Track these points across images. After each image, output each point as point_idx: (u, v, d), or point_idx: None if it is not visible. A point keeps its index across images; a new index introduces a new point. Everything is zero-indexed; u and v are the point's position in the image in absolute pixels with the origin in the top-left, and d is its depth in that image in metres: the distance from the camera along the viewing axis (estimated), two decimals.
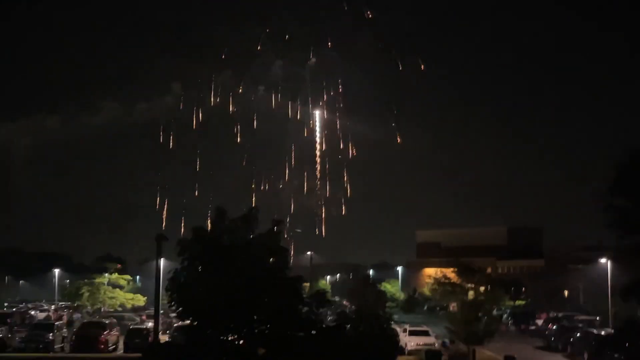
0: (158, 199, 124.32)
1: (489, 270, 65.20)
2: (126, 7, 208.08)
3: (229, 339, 25.19)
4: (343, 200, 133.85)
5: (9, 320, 61.07)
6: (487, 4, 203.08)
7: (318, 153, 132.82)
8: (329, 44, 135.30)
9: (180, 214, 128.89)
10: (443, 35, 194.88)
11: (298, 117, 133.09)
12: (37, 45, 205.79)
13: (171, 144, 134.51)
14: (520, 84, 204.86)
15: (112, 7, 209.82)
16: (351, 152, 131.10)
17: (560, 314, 76.63)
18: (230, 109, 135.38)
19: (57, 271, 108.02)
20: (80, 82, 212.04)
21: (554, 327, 63.10)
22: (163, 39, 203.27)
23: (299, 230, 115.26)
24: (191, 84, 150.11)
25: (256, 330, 25.14)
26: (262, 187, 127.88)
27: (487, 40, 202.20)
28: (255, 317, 25.16)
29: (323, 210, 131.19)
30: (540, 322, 74.25)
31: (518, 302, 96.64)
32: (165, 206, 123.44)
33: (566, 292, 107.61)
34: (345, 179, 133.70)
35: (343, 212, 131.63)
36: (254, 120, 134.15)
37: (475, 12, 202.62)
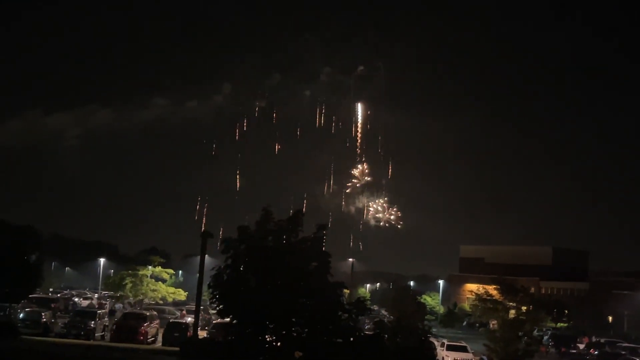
0: (199, 198, 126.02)
1: (532, 290, 64.30)
2: (180, 8, 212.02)
3: (267, 339, 25.29)
4: (385, 211, 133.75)
5: (53, 306, 62.41)
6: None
7: (359, 167, 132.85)
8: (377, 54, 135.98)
9: (222, 211, 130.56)
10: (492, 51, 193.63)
11: (340, 125, 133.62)
12: (94, 39, 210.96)
13: (215, 142, 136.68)
14: (573, 106, 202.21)
15: (166, 7, 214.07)
16: (390, 167, 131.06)
17: (602, 340, 75.14)
18: (274, 114, 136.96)
19: (102, 260, 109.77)
20: (133, 77, 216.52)
21: (596, 352, 61.94)
22: (214, 41, 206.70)
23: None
24: (239, 86, 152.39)
25: (294, 333, 25.18)
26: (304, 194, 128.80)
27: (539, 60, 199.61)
28: (294, 319, 25.19)
29: (361, 221, 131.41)
30: (581, 346, 72.87)
31: (560, 325, 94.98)
32: (206, 205, 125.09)
33: (610, 318, 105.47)
34: (387, 189, 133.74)
35: (381, 223, 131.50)
36: (298, 124, 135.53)
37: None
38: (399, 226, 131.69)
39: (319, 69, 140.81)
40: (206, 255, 39.97)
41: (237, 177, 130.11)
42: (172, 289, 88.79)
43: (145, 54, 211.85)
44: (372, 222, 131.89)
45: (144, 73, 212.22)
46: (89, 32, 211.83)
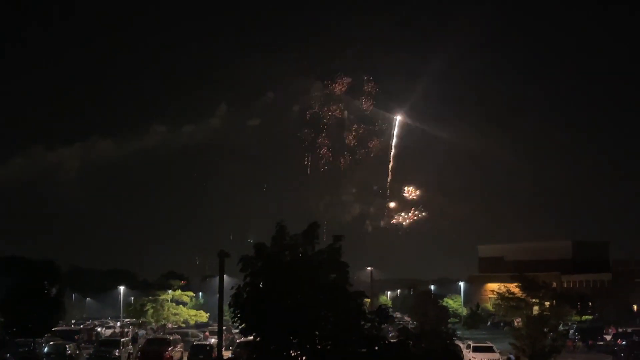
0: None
1: (554, 284, 63.91)
2: (178, 34, 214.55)
3: (292, 355, 25.21)
4: (402, 215, 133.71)
5: (76, 337, 62.53)
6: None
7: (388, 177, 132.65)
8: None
9: (237, 230, 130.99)
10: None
11: (356, 141, 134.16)
12: (90, 70, 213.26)
13: (223, 161, 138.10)
14: (588, 94, 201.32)
15: (163, 32, 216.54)
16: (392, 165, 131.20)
17: (629, 329, 74.55)
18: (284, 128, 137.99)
19: (122, 288, 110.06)
20: (130, 106, 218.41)
21: (623, 342, 61.42)
22: (207, 62, 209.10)
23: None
24: (234, 106, 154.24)
25: (319, 347, 25.10)
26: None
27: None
28: (317, 333, 25.12)
29: (369, 225, 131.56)
30: (608, 337, 72.30)
31: (585, 317, 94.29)
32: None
33: (635, 307, 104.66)
34: (404, 192, 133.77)
35: (392, 221, 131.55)
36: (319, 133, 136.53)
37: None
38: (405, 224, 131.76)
39: (309, 84, 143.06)
40: (225, 275, 40.04)
41: (252, 189, 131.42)
42: (193, 312, 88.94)
43: (140, 82, 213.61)
44: (396, 227, 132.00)
45: (141, 100, 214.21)
46: (83, 60, 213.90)
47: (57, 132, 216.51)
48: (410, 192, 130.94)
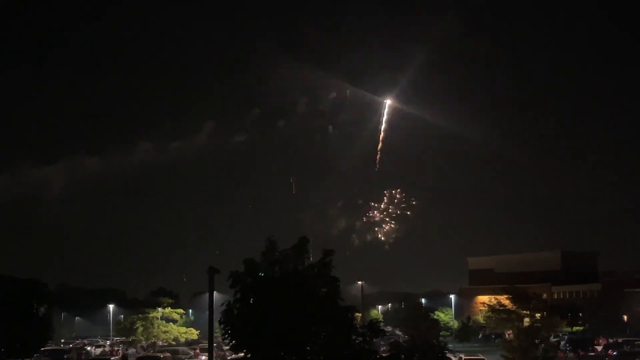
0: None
1: (544, 296, 64.04)
2: (161, 51, 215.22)
3: None
4: (392, 229, 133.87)
5: (66, 357, 62.06)
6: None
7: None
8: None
9: (227, 247, 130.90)
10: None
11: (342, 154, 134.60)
12: (77, 88, 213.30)
13: (210, 177, 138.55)
14: (583, 103, 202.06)
15: (147, 50, 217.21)
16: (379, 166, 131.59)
17: (620, 339, 74.64)
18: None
19: (111, 307, 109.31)
20: (116, 123, 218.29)
21: (614, 352, 61.50)
22: (193, 80, 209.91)
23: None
24: (221, 123, 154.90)
25: None
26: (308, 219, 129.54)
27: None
28: (308, 348, 25.01)
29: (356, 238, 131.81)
30: (599, 347, 72.34)
31: (575, 328, 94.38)
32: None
33: (625, 317, 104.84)
34: (394, 206, 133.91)
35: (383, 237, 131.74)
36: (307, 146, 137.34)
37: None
38: (386, 245, 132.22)
39: (295, 99, 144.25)
40: (215, 292, 39.80)
41: (238, 206, 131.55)
42: (183, 329, 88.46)
43: (127, 98, 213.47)
44: (383, 241, 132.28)
45: (127, 117, 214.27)
46: (71, 78, 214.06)
47: (44, 150, 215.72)
48: (397, 196, 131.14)
